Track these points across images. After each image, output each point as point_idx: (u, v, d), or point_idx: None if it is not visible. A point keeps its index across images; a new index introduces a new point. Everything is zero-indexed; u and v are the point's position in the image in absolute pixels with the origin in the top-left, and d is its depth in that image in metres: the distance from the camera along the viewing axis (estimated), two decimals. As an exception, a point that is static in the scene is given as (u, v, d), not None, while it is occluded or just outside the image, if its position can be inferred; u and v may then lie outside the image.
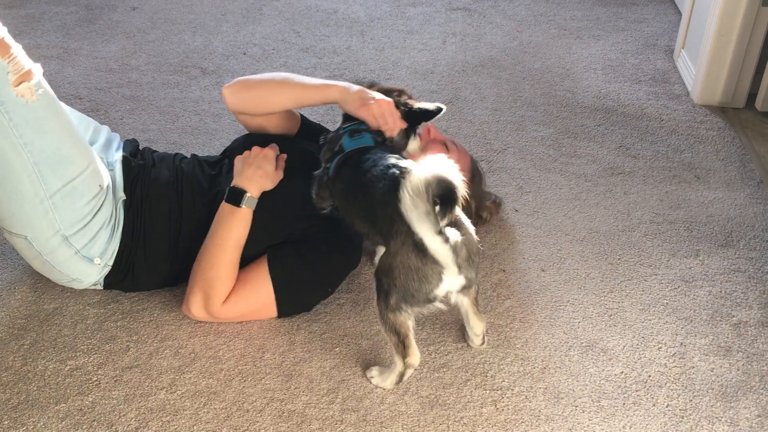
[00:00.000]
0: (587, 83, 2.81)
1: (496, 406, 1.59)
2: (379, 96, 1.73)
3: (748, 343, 1.74)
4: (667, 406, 1.59)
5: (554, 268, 1.95)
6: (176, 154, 1.94)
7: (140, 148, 1.96)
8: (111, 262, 1.75)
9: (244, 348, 1.71)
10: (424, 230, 1.38)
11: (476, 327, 1.67)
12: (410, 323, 1.53)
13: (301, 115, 2.05)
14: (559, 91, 2.75)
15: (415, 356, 1.56)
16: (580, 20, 3.29)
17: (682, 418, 1.56)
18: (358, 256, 1.87)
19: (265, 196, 1.75)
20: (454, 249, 1.42)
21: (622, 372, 1.67)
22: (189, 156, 1.96)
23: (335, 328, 1.77)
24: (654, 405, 1.59)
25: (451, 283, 1.49)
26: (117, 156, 1.85)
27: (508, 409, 1.58)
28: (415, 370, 1.63)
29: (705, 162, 2.37)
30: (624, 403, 1.59)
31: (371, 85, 1.82)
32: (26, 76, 1.58)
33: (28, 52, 1.62)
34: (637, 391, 1.62)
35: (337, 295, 1.84)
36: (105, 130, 1.94)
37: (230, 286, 1.71)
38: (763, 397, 1.61)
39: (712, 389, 1.63)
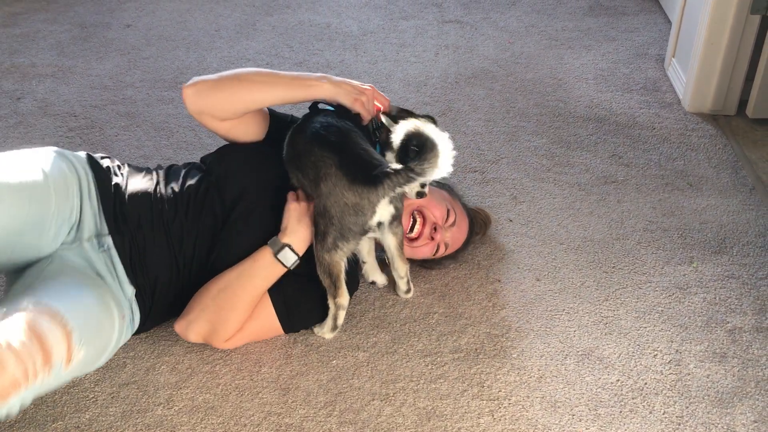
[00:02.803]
0: (579, 93, 2.82)
1: (493, 416, 1.59)
2: (356, 83, 1.76)
3: (743, 349, 1.74)
4: (663, 414, 1.59)
5: (549, 278, 1.96)
6: (151, 194, 1.72)
7: (112, 175, 1.74)
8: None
9: (240, 362, 1.71)
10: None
11: (400, 269, 1.81)
12: (343, 264, 1.66)
13: (269, 109, 1.89)
14: (551, 102, 2.77)
15: (344, 297, 1.70)
16: (571, 31, 3.31)
17: (679, 425, 1.57)
18: (356, 282, 1.86)
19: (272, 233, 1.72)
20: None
21: (619, 380, 1.67)
22: (161, 182, 1.76)
23: (331, 340, 1.77)
24: (651, 412, 1.59)
25: (383, 212, 1.62)
26: (109, 242, 1.66)
27: (505, 419, 1.58)
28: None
29: (697, 169, 2.39)
30: (621, 411, 1.60)
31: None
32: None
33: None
34: (633, 398, 1.63)
35: (333, 308, 1.85)
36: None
37: (240, 327, 1.70)
38: (759, 402, 1.62)
39: (709, 395, 1.63)
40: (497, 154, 2.47)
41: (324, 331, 1.76)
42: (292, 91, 1.75)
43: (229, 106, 1.75)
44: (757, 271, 1.97)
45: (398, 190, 1.55)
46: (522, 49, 3.16)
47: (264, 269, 1.68)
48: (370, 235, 1.68)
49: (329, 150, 1.60)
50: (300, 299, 1.75)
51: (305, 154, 1.65)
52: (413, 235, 1.86)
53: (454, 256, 1.98)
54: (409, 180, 1.51)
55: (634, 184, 2.31)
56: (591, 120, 2.65)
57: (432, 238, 1.87)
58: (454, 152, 1.52)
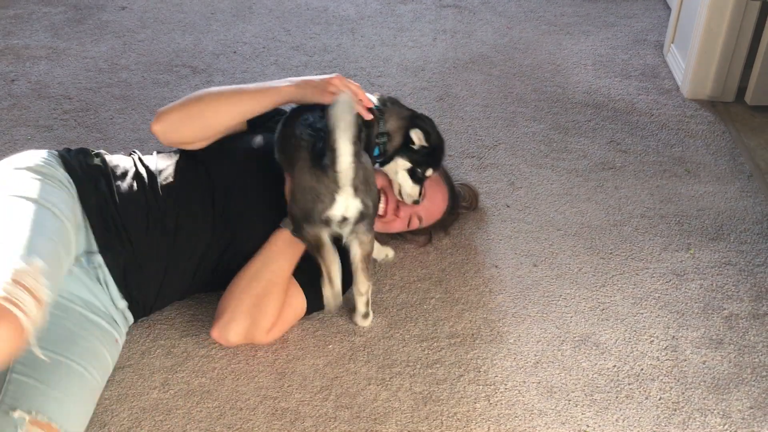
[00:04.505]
0: (577, 79, 2.81)
1: (489, 401, 1.59)
2: (318, 77, 1.70)
3: (740, 336, 1.75)
4: (659, 399, 1.59)
5: (546, 263, 1.96)
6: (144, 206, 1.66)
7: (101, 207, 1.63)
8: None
9: (236, 346, 1.70)
10: (344, 138, 1.41)
11: (361, 284, 1.68)
12: (324, 237, 1.58)
13: None
14: (549, 87, 2.76)
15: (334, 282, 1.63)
16: (570, 16, 3.29)
17: (675, 410, 1.57)
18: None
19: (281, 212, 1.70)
20: (355, 168, 1.46)
21: (615, 366, 1.67)
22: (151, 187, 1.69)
23: (328, 325, 1.76)
24: (647, 398, 1.60)
25: (346, 205, 1.51)
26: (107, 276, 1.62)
27: (502, 403, 1.58)
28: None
29: (695, 156, 2.38)
30: (617, 397, 1.60)
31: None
32: None
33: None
34: (629, 384, 1.63)
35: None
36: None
37: (279, 312, 1.67)
38: (754, 388, 1.62)
39: (705, 382, 1.63)
40: (495, 140, 2.46)
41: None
42: (258, 101, 1.72)
43: (201, 133, 1.74)
44: (755, 257, 1.97)
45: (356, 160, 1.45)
46: (520, 35, 3.14)
47: (285, 251, 1.67)
48: (335, 229, 1.57)
49: (311, 135, 1.55)
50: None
51: (289, 137, 1.61)
52: (380, 213, 1.83)
53: (444, 229, 2.01)
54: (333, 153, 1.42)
55: (632, 171, 2.31)
56: (589, 106, 2.64)
57: (397, 215, 1.87)
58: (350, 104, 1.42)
